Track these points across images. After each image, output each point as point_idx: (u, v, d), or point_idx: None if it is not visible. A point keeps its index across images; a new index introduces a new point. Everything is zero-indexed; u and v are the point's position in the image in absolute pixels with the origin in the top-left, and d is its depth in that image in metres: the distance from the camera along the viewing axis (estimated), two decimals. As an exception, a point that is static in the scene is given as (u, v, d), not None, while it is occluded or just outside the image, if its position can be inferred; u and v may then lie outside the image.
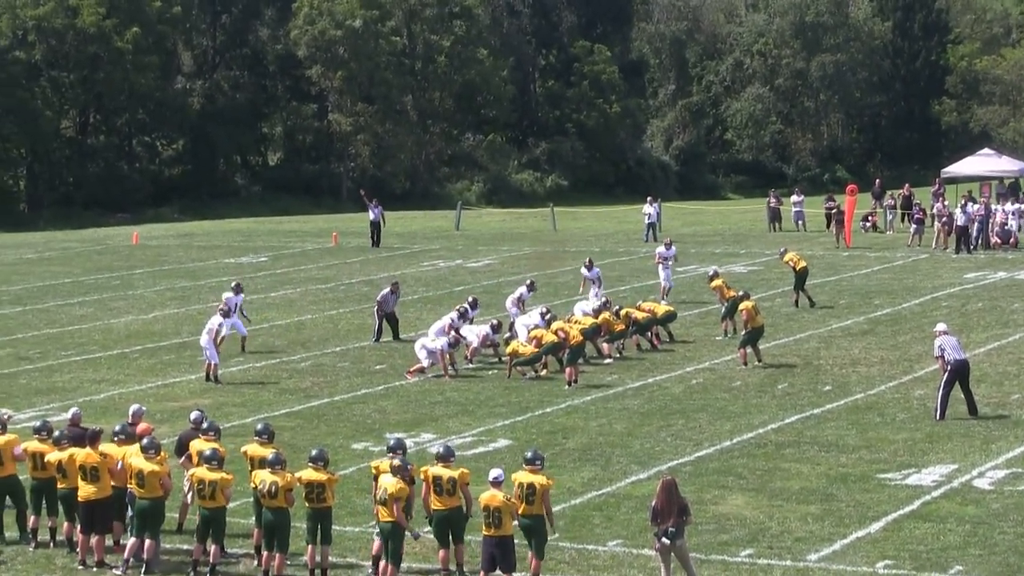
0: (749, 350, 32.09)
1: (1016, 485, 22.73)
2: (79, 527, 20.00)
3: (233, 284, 38.15)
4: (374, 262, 53.72)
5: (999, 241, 53.29)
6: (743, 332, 32.45)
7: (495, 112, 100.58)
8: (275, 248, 59.28)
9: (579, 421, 27.63)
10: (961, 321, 36.88)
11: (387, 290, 36.83)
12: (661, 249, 42.59)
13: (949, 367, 26.84)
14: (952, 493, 22.42)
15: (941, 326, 28.10)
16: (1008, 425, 26.53)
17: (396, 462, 18.78)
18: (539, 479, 18.58)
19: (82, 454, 20.05)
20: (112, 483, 20.15)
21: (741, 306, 32.51)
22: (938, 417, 26.82)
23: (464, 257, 54.40)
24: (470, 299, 35.34)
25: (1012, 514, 21.24)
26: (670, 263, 42.33)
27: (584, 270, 40.08)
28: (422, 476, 19.01)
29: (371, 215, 58.47)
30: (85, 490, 19.90)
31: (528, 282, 37.54)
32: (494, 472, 18.62)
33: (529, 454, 18.96)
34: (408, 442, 24.20)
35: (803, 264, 40.34)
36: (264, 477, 19.00)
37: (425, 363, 32.02)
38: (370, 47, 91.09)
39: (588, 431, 26.82)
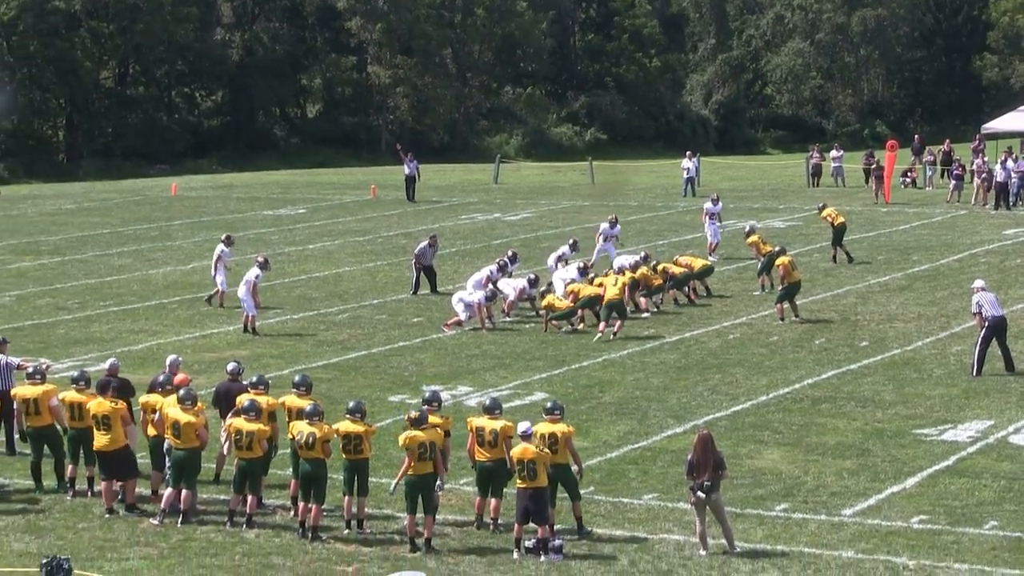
0: (786, 305, 32.02)
1: (1053, 442, 22.66)
2: (101, 475, 20.16)
3: (224, 236, 36.98)
4: (412, 215, 53.73)
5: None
6: (780, 287, 32.38)
7: (534, 65, 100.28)
8: (313, 200, 59.34)
9: (615, 375, 27.64)
10: (999, 278, 36.68)
11: (425, 243, 36.84)
12: (708, 205, 42.45)
13: (987, 323, 26.73)
14: (988, 449, 22.37)
15: (979, 282, 28.00)
16: (1046, 382, 26.41)
17: (413, 413, 18.87)
18: (560, 427, 18.81)
19: (94, 403, 20.19)
20: (152, 433, 20.29)
21: (778, 261, 32.42)
22: (974, 373, 26.74)
23: (502, 211, 54.37)
24: (510, 252, 35.31)
25: (1049, 471, 21.18)
26: (717, 219, 42.22)
27: (606, 226, 39.81)
28: (468, 427, 19.20)
29: (406, 169, 58.40)
30: (99, 440, 20.04)
31: (572, 241, 37.29)
32: (523, 425, 18.68)
33: (548, 404, 19.26)
34: (444, 395, 24.32)
35: (841, 220, 40.16)
36: (302, 428, 19.07)
37: (463, 316, 32.04)
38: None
39: (624, 385, 26.83)
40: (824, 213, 40.46)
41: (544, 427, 18.87)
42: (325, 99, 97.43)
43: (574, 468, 19.00)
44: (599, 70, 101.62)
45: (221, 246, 35.51)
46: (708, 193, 47.60)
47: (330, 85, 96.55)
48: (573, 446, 19.03)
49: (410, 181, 58.14)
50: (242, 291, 32.30)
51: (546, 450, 18.51)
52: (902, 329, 31.33)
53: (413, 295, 36.32)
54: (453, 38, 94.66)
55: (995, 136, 64.00)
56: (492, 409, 19.20)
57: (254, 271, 32.71)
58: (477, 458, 19.13)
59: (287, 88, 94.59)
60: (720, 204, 42.89)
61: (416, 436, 18.60)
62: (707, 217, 42.18)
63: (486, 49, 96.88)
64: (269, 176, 73.90)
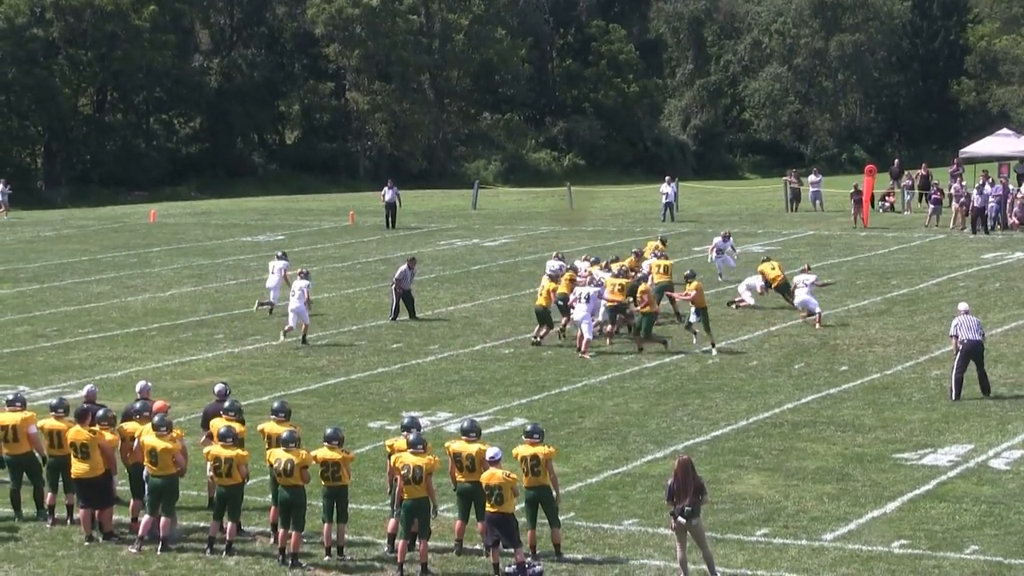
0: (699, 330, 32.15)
1: (1032, 466, 22.69)
2: (79, 503, 20.10)
3: (279, 253, 38.76)
4: (391, 241, 53.72)
5: (1016, 221, 53.09)
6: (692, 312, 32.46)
7: (512, 91, 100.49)
8: (292, 227, 59.31)
9: (595, 400, 27.64)
10: (978, 302, 36.79)
11: (404, 267, 36.83)
12: (718, 240, 42.09)
13: (961, 347, 26.86)
14: (968, 473, 22.40)
15: (963, 305, 28.12)
16: (1025, 406, 26.48)
17: (411, 437, 18.89)
18: (541, 449, 18.84)
19: (72, 431, 20.14)
20: (131, 461, 20.24)
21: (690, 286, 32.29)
22: (953, 397, 26.82)
23: (481, 236, 54.40)
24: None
25: (1028, 495, 21.21)
26: (725, 254, 41.91)
27: (719, 240, 40.81)
28: (446, 450, 19.21)
29: (386, 196, 58.40)
30: (77, 467, 19.98)
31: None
32: (491, 451, 18.69)
33: (529, 427, 19.28)
34: (424, 420, 24.26)
35: (778, 275, 36.53)
36: (279, 455, 19.04)
37: (588, 336, 31.66)
38: (387, 25, 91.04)
39: (604, 410, 26.83)
40: (761, 268, 37.30)
41: (525, 449, 18.90)
42: (303, 125, 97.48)
43: (554, 494, 19.00)
44: (577, 95, 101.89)
45: (302, 281, 34.16)
46: (712, 227, 47.65)
47: (308, 111, 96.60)
48: (554, 469, 19.04)
49: (390, 208, 58.11)
50: (296, 303, 33.11)
51: (521, 474, 18.51)
52: (881, 353, 31.40)
53: (393, 320, 36.31)
54: (431, 64, 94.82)
55: (973, 160, 64.23)
56: (468, 432, 19.22)
57: (302, 283, 33.46)
58: (458, 480, 19.14)
59: (265, 114, 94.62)
60: (731, 241, 42.50)
61: (405, 458, 18.60)
62: (715, 251, 41.91)
63: (464, 75, 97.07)
64: (248, 202, 73.84)
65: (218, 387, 21.72)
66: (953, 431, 24.81)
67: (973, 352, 26.96)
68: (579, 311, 31.91)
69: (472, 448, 18.97)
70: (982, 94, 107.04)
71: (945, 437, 24.45)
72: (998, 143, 64.38)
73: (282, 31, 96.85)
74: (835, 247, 46.30)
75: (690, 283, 32.36)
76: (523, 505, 18.98)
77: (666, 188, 59.41)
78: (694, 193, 71.19)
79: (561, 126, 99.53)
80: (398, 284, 36.52)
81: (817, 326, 34.08)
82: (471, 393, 28.38)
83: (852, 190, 55.82)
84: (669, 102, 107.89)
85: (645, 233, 54.07)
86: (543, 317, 32.74)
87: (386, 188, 58.81)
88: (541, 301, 32.79)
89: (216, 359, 32.07)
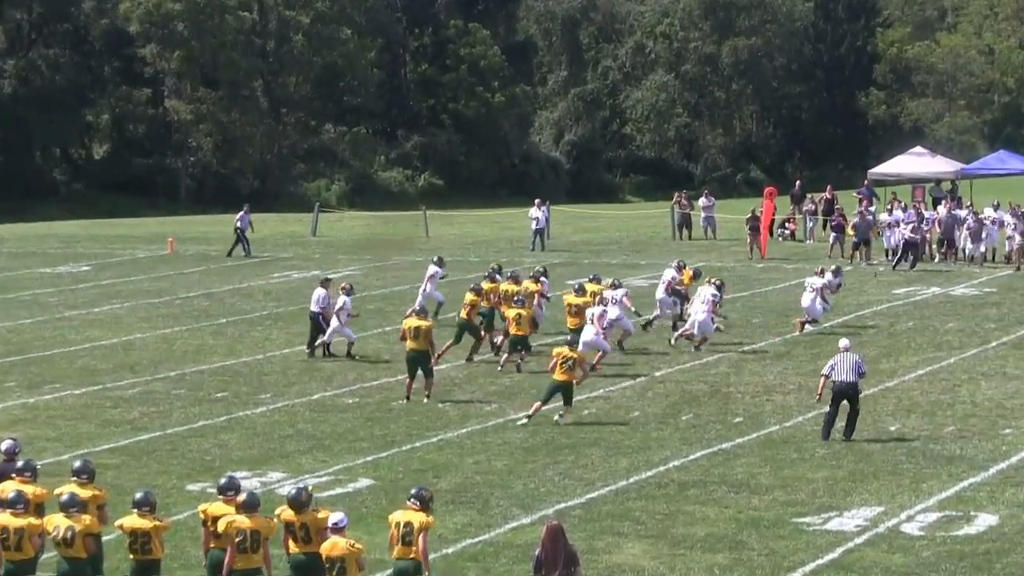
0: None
1: (949, 530, 22.95)
2: None
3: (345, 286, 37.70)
4: (216, 272, 53.32)
5: (935, 254, 53.82)
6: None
7: (359, 100, 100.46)
8: (99, 256, 58.65)
9: (453, 457, 27.56)
10: (889, 343, 37.28)
11: (322, 290, 36.93)
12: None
13: (832, 387, 27.96)
14: (877, 539, 22.60)
15: (843, 342, 28.79)
16: (940, 462, 26.80)
17: (244, 497, 18.68)
18: (419, 516, 18.60)
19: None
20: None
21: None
22: (822, 438, 27.99)
23: (322, 267, 54.12)
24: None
25: (944, 563, 21.44)
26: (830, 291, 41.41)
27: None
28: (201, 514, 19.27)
29: (238, 221, 58.37)
30: None
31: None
32: (335, 516, 18.48)
33: (414, 490, 19.10)
34: (254, 482, 24.00)
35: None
36: (58, 522, 18.63)
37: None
38: (214, 23, 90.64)
39: (463, 469, 26.75)
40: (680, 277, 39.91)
41: (401, 515, 18.69)
42: (114, 138, 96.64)
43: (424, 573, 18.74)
44: (434, 105, 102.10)
45: (344, 297, 36.34)
46: (589, 256, 47.76)
47: (120, 121, 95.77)
48: (426, 544, 18.69)
49: (240, 234, 57.98)
50: (337, 323, 35.91)
51: (359, 545, 18.32)
52: (781, 402, 31.65)
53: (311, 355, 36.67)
54: (265, 68, 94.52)
55: (883, 183, 65.27)
56: (226, 490, 19.05)
57: (341, 298, 35.85)
58: (291, 550, 18.88)
59: (70, 124, 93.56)
60: (839, 278, 41.61)
61: (237, 522, 18.36)
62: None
63: (303, 81, 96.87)
64: (48, 227, 72.93)
65: (6, 444, 21.30)
66: (861, 491, 25.04)
67: (845, 394, 27.95)
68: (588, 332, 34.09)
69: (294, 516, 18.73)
70: (893, 107, 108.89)
71: (852, 498, 24.66)
72: (911, 162, 65.44)
73: (90, 28, 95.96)
74: (729, 280, 46.64)
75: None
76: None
77: (536, 212, 59.60)
78: (568, 218, 71.50)
79: (416, 141, 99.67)
80: (322, 312, 36.42)
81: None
82: (308, 450, 28.17)
83: (748, 216, 56.36)
84: (540, 114, 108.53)
85: (512, 264, 54.10)
86: (467, 331, 35.43)
87: (242, 213, 58.91)
88: (463, 315, 35.35)
89: (6, 411, 31.54)
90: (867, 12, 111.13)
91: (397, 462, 27.32)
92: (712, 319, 36.80)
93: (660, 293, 39.09)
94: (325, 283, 37.78)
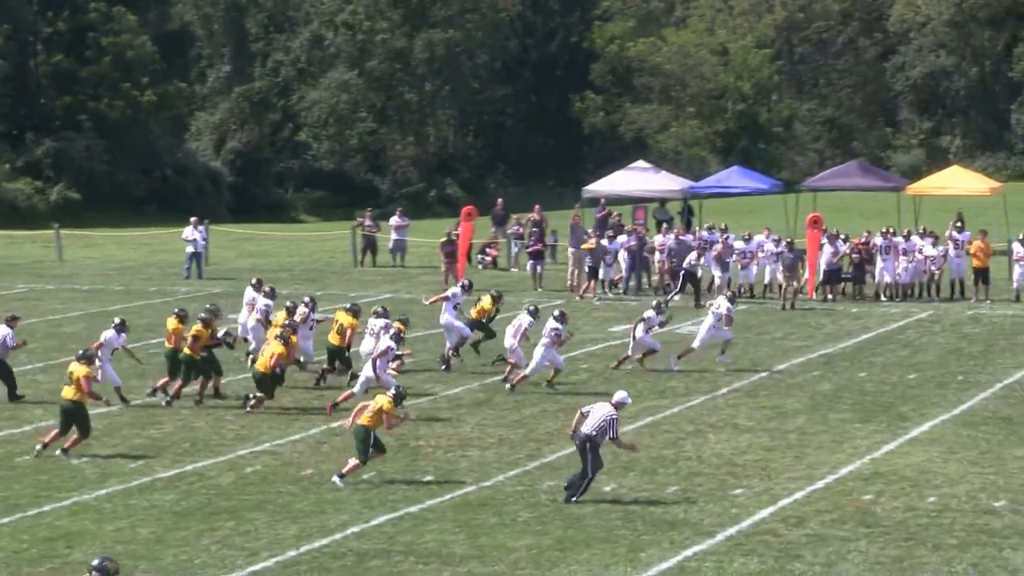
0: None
1: (671, 606, 23.42)
2: None
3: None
4: None
5: (658, 280, 54.84)
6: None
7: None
8: None
9: (89, 524, 27.28)
10: (605, 388, 37.86)
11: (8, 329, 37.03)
12: (650, 313, 41.26)
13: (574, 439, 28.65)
14: (589, 617, 22.94)
15: (620, 395, 28.99)
16: (661, 527, 27.25)
17: None
18: None
19: None
20: None
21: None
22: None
23: (-69, 297, 53.19)
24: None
25: (665, 644, 21.88)
26: (654, 328, 41.48)
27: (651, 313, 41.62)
28: None
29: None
30: None
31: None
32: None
33: (95, 561, 18.94)
34: None
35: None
36: None
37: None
38: None
39: (102, 538, 26.50)
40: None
41: None
42: None
43: None
44: (71, 104, 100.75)
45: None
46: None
47: None
48: None
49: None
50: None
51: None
52: (478, 458, 31.93)
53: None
54: None
55: (598, 201, 66.11)
56: None
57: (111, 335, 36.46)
58: None
59: None
60: (661, 316, 41.76)
61: None
62: (641, 324, 41.14)
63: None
64: None
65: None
66: (569, 561, 25.35)
67: (583, 447, 28.37)
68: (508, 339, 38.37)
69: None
70: (613, 114, 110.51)
71: (559, 570, 24.95)
72: (632, 178, 66.10)
73: None
74: (419, 315, 46.98)
75: None
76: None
77: (192, 233, 59.33)
78: (231, 240, 71.27)
79: (48, 146, 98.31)
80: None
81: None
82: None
83: (444, 239, 56.83)
84: (198, 116, 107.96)
85: (163, 294, 53.79)
86: (335, 355, 38.80)
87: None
88: (333, 339, 38.88)
89: None
90: (583, 3, 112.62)
91: (21, 529, 26.93)
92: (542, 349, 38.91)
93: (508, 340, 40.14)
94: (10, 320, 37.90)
